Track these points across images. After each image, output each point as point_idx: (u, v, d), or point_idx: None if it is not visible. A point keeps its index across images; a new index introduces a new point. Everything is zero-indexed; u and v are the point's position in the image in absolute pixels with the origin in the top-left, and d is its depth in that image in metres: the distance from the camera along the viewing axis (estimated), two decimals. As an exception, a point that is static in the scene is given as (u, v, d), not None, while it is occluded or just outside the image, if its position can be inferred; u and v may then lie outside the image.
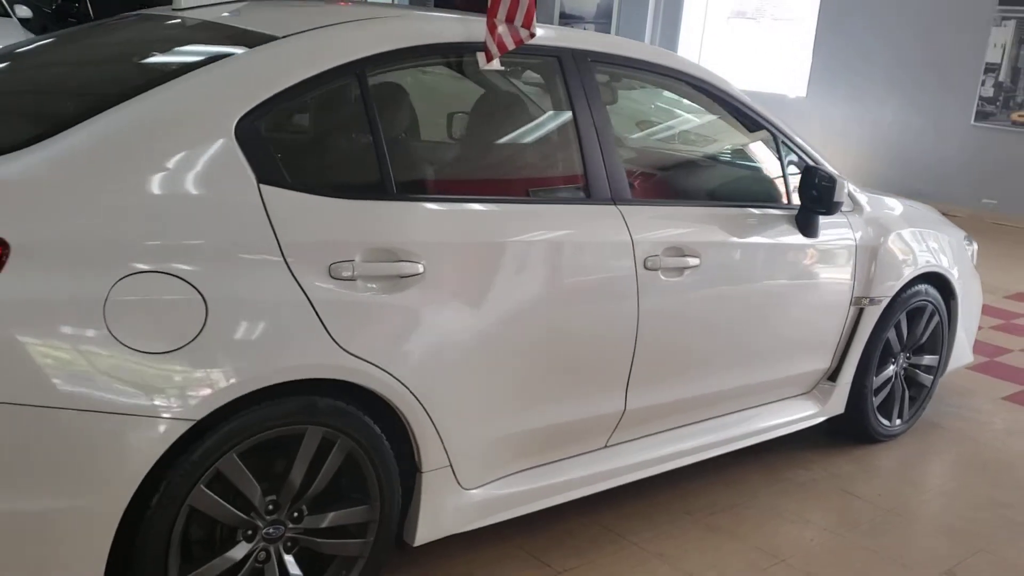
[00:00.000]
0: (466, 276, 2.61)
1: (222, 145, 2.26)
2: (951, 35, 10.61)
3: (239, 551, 2.33)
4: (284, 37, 2.49)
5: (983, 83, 10.41)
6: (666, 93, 3.60)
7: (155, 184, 2.17)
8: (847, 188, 3.49)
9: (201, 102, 2.29)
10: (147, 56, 2.74)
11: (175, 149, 2.21)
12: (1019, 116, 10.23)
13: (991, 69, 10.34)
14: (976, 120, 10.49)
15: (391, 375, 2.45)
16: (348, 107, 2.55)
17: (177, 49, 2.77)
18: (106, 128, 2.16)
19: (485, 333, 2.65)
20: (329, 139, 2.62)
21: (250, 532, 2.35)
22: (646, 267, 3.01)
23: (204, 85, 2.32)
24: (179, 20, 2.93)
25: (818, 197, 3.42)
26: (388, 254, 2.45)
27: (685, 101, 3.54)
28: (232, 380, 2.19)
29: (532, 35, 2.66)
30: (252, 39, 2.51)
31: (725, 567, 3.14)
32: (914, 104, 10.91)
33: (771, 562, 3.19)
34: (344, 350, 2.36)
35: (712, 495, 3.60)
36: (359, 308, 2.40)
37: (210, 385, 2.16)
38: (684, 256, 3.12)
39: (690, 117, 3.53)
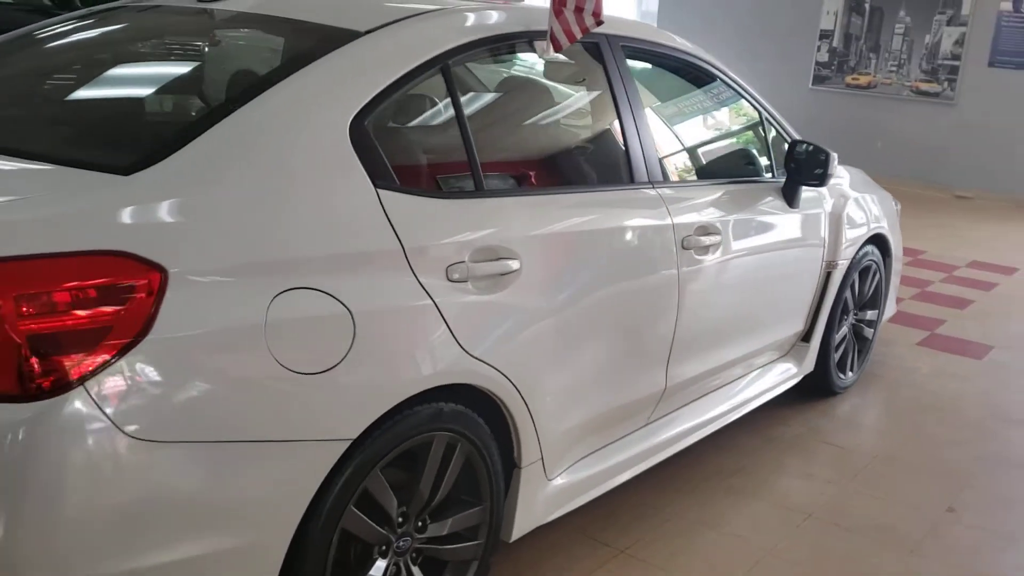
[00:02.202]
0: (552, 268, 2.61)
1: (340, 149, 2.16)
2: (787, 5, 11.25)
3: (378, 569, 2.26)
4: (369, 32, 2.39)
5: (818, 49, 11.12)
6: (656, 75, 3.68)
7: (286, 197, 2.05)
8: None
9: (317, 105, 2.16)
10: (227, 55, 2.55)
11: (299, 157, 2.09)
12: (852, 79, 11.00)
13: (825, 36, 11.04)
14: (813, 84, 11.19)
15: (502, 373, 2.43)
16: (437, 103, 2.48)
17: (254, 46, 2.60)
18: (227, 141, 2.01)
19: (568, 323, 2.66)
20: (423, 137, 2.54)
21: (383, 547, 2.28)
22: (683, 247, 3.10)
23: (315, 87, 2.19)
24: (231, 13, 2.73)
25: (811, 170, 3.60)
26: (490, 252, 2.41)
27: (679, 82, 3.63)
28: (381, 394, 2.12)
29: (599, 23, 2.66)
30: (331, 35, 2.39)
31: (764, 527, 3.29)
32: (755, 71, 11.45)
33: (801, 518, 3.38)
34: (468, 353, 2.32)
35: (715, 461, 3.75)
36: (474, 310, 2.36)
37: (363, 401, 2.08)
38: (709, 234, 3.22)
39: (685, 97, 3.62)
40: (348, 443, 2.05)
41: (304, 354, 1.97)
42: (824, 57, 11.10)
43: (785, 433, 4.11)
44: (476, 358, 2.34)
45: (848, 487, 3.66)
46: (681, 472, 3.62)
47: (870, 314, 4.67)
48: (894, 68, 10.73)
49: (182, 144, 1.96)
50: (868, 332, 4.69)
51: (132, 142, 2.00)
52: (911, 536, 3.30)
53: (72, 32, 2.83)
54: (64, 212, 1.77)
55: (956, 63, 10.37)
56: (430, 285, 2.24)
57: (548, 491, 2.75)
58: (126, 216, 1.81)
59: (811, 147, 3.62)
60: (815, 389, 4.42)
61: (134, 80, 2.55)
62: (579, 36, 2.69)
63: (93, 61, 2.71)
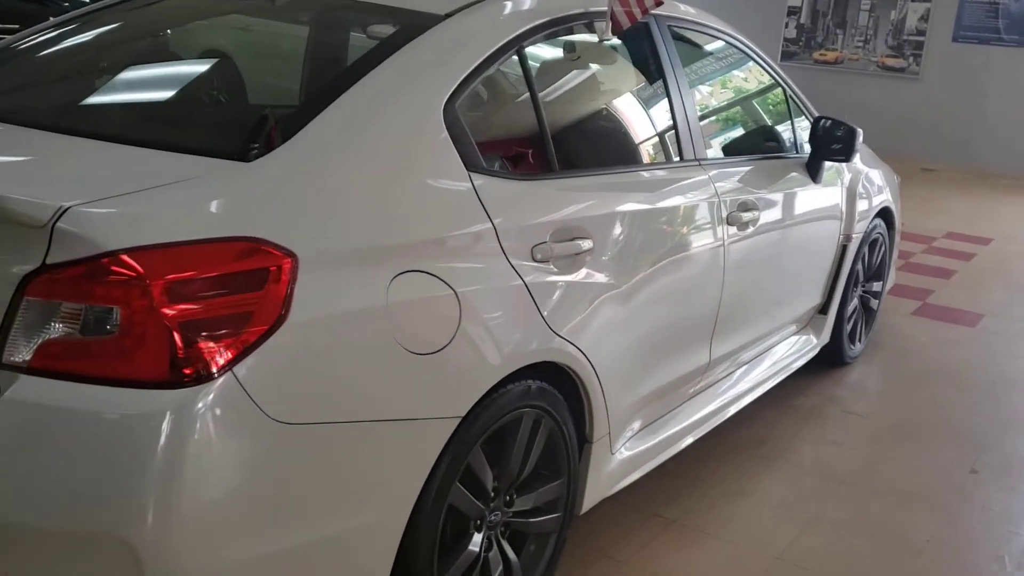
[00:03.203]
0: (618, 247, 2.67)
1: (438, 132, 2.19)
2: (755, -19, 11.37)
3: (475, 543, 2.31)
4: (449, 15, 2.41)
5: (787, 25, 11.27)
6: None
7: (394, 181, 2.08)
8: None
9: (415, 89, 2.19)
10: (312, 40, 2.55)
11: (403, 141, 2.12)
12: (820, 55, 11.18)
13: (793, 12, 11.19)
14: (782, 60, 11.35)
15: (580, 350, 2.48)
16: (514, 84, 2.51)
17: (337, 30, 2.59)
18: (336, 127, 2.03)
19: (632, 299, 2.72)
20: (502, 118, 2.56)
21: (478, 522, 2.33)
22: (728, 223, 3.17)
23: (410, 71, 2.21)
24: None
25: (837, 145, 3.69)
26: (568, 232, 2.46)
27: (713, 59, 3.69)
28: (485, 372, 2.16)
29: (659, 3, 2.71)
30: (414, 18, 2.40)
31: (803, 495, 3.40)
32: (724, 47, 11.62)
33: (836, 484, 3.49)
34: (554, 332, 2.37)
35: (743, 432, 3.84)
36: (556, 289, 2.41)
37: (470, 379, 2.13)
38: (748, 210, 3.30)
39: (719, 74, 3.69)
40: (458, 420, 2.10)
41: (420, 335, 2.01)
42: (792, 33, 11.26)
43: (804, 403, 4.22)
44: (561, 336, 2.39)
45: (873, 453, 3.78)
46: (713, 443, 3.70)
47: (876, 285, 4.81)
48: (860, 44, 10.93)
49: (294, 130, 1.97)
50: (874, 303, 4.83)
51: (245, 128, 2.00)
52: (942, 499, 3.43)
53: (152, 15, 2.80)
54: (198, 200, 1.78)
55: (921, 39, 10.59)
56: (519, 266, 2.29)
57: (612, 465, 2.81)
58: (256, 203, 1.83)
59: (837, 123, 3.71)
60: (826, 360, 4.54)
61: (228, 65, 2.53)
62: (639, 17, 2.74)
63: (182, 46, 2.70)
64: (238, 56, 2.51)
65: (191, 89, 2.46)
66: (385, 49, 2.25)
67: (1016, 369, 4.87)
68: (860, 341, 4.75)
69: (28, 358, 1.66)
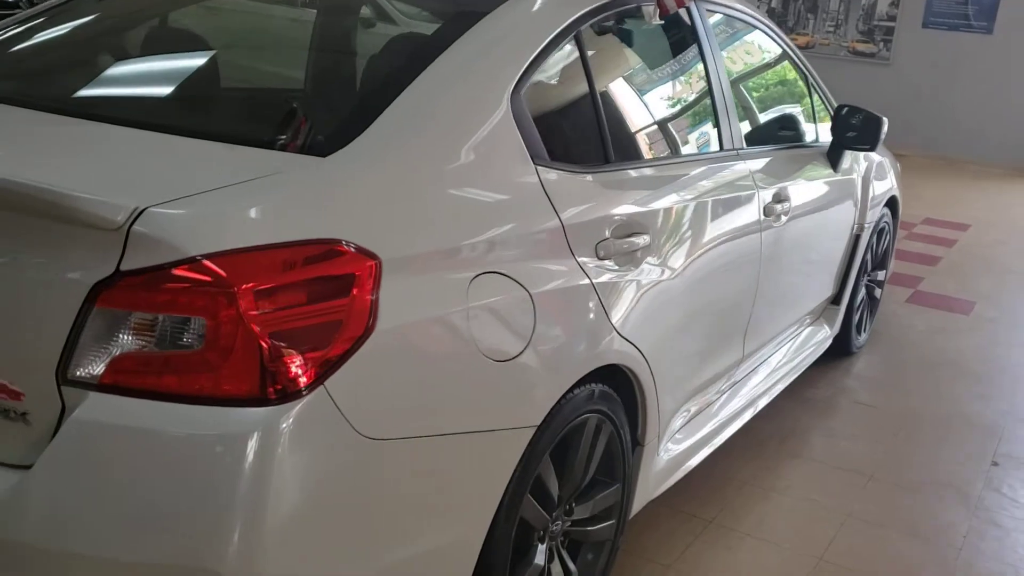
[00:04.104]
0: (671, 241, 2.57)
1: (506, 124, 2.06)
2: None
3: (540, 554, 2.21)
4: (504, 1, 2.27)
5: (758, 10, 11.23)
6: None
7: (466, 177, 1.95)
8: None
9: (482, 80, 2.06)
10: (363, 28, 2.39)
11: (473, 135, 1.99)
12: (791, 39, 11.16)
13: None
14: (752, 45, 11.29)
15: (640, 351, 2.38)
16: (573, 70, 2.38)
17: (387, 18, 2.44)
18: (405, 120, 1.89)
19: (683, 296, 2.63)
20: (562, 109, 2.43)
21: (541, 533, 2.22)
22: (765, 214, 3.09)
23: (474, 60, 2.08)
24: None
25: (862, 135, 3.62)
26: (627, 227, 2.36)
27: (742, 46, 3.60)
28: (558, 378, 2.05)
29: (708, -13, 2.60)
30: (466, 5, 2.27)
31: (834, 490, 3.34)
32: (694, 31, 11.57)
33: (864, 479, 3.44)
34: (618, 333, 2.26)
35: (763, 426, 3.77)
36: (618, 288, 2.30)
37: (545, 386, 2.02)
38: (781, 201, 3.22)
39: (749, 62, 3.59)
40: (534, 429, 1.98)
41: (498, 340, 1.89)
42: (763, 18, 11.22)
43: (816, 395, 4.17)
44: (624, 337, 2.29)
45: (894, 446, 3.74)
46: (736, 439, 3.62)
47: (880, 275, 4.77)
48: (831, 29, 10.94)
49: (366, 123, 1.83)
50: (878, 292, 4.80)
51: (317, 121, 1.86)
52: (971, 492, 3.40)
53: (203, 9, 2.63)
54: (279, 199, 1.64)
55: (891, 24, 10.63)
56: (585, 264, 2.18)
57: (659, 466, 2.73)
58: (336, 201, 1.69)
59: (861, 112, 3.64)
60: (833, 350, 4.49)
61: (288, 53, 2.37)
62: (688, 2, 2.63)
63: (235, 35, 2.52)
64: (294, 45, 2.35)
65: (253, 78, 2.30)
66: (444, 38, 2.11)
67: (1017, 358, 4.87)
68: (865, 331, 4.72)
69: (98, 374, 1.51)
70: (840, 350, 4.52)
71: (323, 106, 2.06)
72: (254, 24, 2.60)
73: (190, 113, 2.10)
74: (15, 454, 1.57)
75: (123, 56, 2.44)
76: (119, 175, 1.67)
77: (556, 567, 2.29)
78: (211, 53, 2.39)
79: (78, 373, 1.52)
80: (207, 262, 1.48)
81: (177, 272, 1.48)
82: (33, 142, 1.84)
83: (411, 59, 2.04)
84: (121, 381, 1.51)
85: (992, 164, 10.20)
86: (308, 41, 2.48)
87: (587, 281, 2.16)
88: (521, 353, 1.93)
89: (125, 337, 1.51)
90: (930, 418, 4.03)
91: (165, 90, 2.26)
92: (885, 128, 3.63)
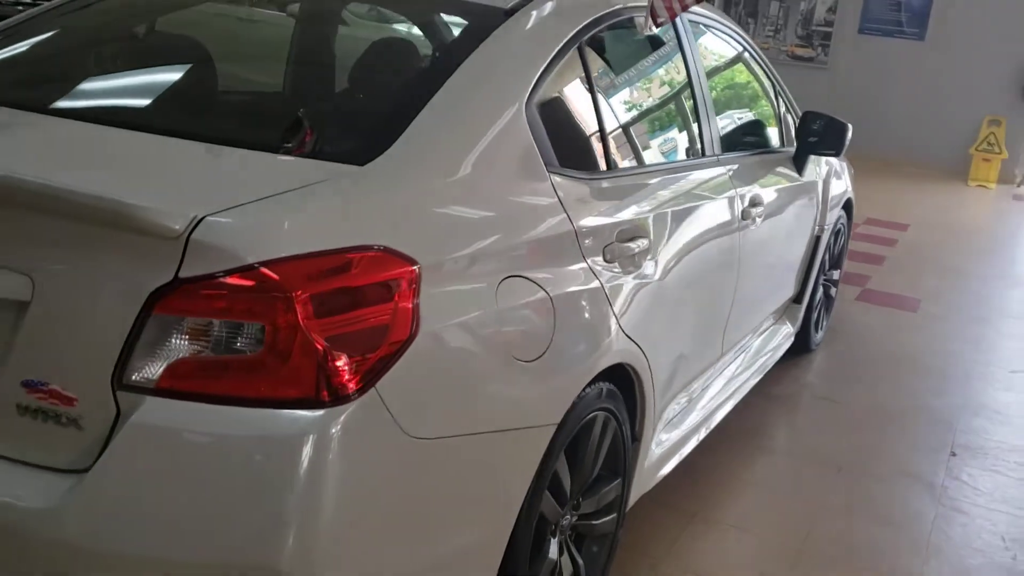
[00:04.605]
0: (666, 243, 2.66)
1: (522, 132, 2.13)
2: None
3: (553, 548, 2.28)
4: (512, 11, 2.34)
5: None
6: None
7: (489, 183, 2.02)
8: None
9: (500, 88, 2.12)
10: (379, 34, 2.43)
11: (496, 142, 2.06)
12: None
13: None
14: (694, 48, 11.53)
15: (641, 350, 2.47)
16: (576, 79, 2.46)
17: (402, 23, 2.48)
18: (434, 129, 1.95)
19: (675, 296, 2.73)
20: (568, 116, 2.50)
21: (553, 527, 2.29)
22: (742, 217, 3.21)
23: (492, 69, 2.14)
24: None
25: (828, 140, 3.77)
26: (630, 231, 2.44)
27: (716, 53, 3.71)
28: (575, 377, 2.13)
29: (699, 0, 2.71)
30: (481, 12, 2.33)
31: (807, 484, 3.48)
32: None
33: (834, 471, 3.58)
34: (624, 333, 2.35)
35: (735, 421, 3.88)
36: (623, 289, 2.38)
37: (565, 385, 2.09)
38: (755, 205, 3.34)
39: (723, 69, 3.71)
40: (556, 427, 2.06)
41: (524, 342, 1.96)
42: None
43: (782, 391, 4.31)
44: (628, 336, 2.37)
45: (858, 439, 3.90)
46: (711, 435, 3.74)
47: (835, 274, 4.95)
48: (771, 33, 11.21)
49: (397, 132, 1.89)
50: (833, 291, 4.97)
51: (354, 130, 1.90)
52: (935, 481, 3.57)
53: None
54: (328, 206, 1.69)
55: (829, 29, 10.94)
56: (595, 267, 2.26)
57: (652, 460, 2.82)
58: (377, 209, 1.75)
59: (827, 119, 3.79)
60: (792, 348, 4.64)
61: (309, 64, 2.40)
62: (679, 12, 2.73)
63: (259, 47, 2.54)
64: (316, 55, 2.39)
65: (280, 87, 2.32)
66: (462, 47, 2.18)
67: (964, 353, 5.09)
68: (822, 328, 4.89)
69: (155, 378, 1.54)
70: (799, 347, 4.67)
71: (355, 116, 2.10)
72: (276, 34, 2.63)
73: (222, 121, 2.12)
74: (66, 458, 1.59)
75: (146, 64, 2.45)
76: (171, 184, 1.70)
77: (565, 560, 2.36)
78: (236, 62, 2.41)
79: (134, 378, 1.55)
80: (265, 269, 1.52)
81: (235, 279, 1.51)
82: (80, 152, 1.86)
83: (432, 69, 2.10)
84: (177, 385, 1.54)
85: (926, 166, 10.57)
86: (330, 51, 2.52)
87: (598, 283, 2.24)
88: (544, 354, 2.00)
89: (182, 342, 1.54)
90: (889, 412, 4.21)
91: (195, 98, 2.28)
92: (850, 134, 3.78)
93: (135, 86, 2.34)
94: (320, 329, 1.56)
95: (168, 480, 1.53)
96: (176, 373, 1.54)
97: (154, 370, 1.54)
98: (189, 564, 1.53)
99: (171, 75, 2.40)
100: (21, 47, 2.41)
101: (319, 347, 1.55)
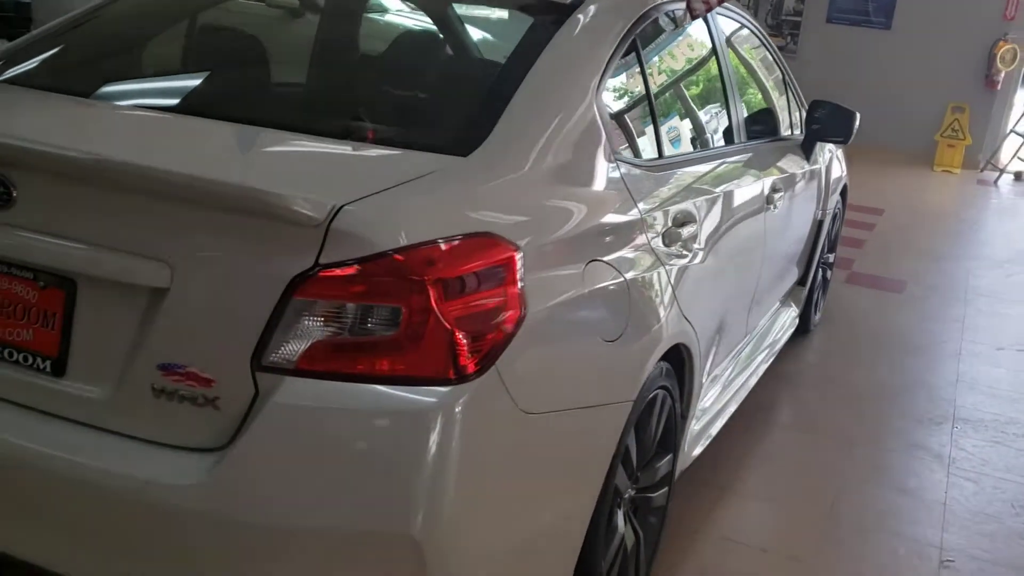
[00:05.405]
0: (711, 229, 2.79)
1: (595, 121, 2.23)
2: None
3: (619, 520, 2.40)
4: (576, 3, 2.44)
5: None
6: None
7: (573, 170, 2.12)
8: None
9: (577, 77, 2.22)
10: (449, 25, 2.51)
11: (575, 131, 2.16)
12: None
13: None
14: (666, 37, 11.70)
15: (694, 330, 2.59)
16: (630, 70, 2.57)
17: (471, 16, 2.56)
18: (521, 119, 2.05)
19: (719, 276, 2.86)
20: (626, 105, 2.60)
21: (618, 500, 2.41)
22: (767, 201, 3.35)
23: (568, 59, 2.24)
24: None
25: (837, 128, 3.91)
26: (683, 216, 2.56)
27: (740, 43, 3.83)
28: (647, 356, 2.24)
29: (736, -5, 2.82)
30: (540, 6, 2.43)
31: (828, 457, 3.64)
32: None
33: (847, 445, 3.75)
34: (682, 314, 2.47)
35: (751, 399, 4.02)
36: (679, 272, 2.50)
37: (640, 363, 2.21)
38: (777, 191, 3.49)
39: (743, 58, 3.83)
40: (631, 403, 2.17)
41: (607, 322, 2.07)
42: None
43: (787, 370, 4.47)
44: (685, 317, 2.49)
45: (867, 414, 4.07)
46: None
47: (831, 257, 5.13)
48: (741, 23, 11.40)
49: (489, 124, 1.98)
50: (828, 273, 5.15)
51: (453, 122, 2.00)
52: (943, 452, 3.75)
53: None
54: (445, 196, 1.78)
55: (798, 19, 11.17)
56: (657, 251, 2.37)
57: (692, 437, 2.95)
58: (482, 197, 1.85)
59: (835, 107, 3.94)
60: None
61: (398, 58, 2.48)
62: (715, 6, 2.85)
63: (352, 41, 2.62)
64: (403, 48, 2.46)
65: (376, 81, 2.40)
66: (534, 42, 2.27)
67: (951, 332, 5.30)
68: (819, 309, 5.06)
69: (294, 360, 1.63)
70: (799, 328, 4.83)
71: (452, 109, 2.19)
72: (368, 29, 2.71)
73: (325, 116, 2.20)
74: (200, 438, 1.68)
75: (242, 61, 2.51)
76: (300, 175, 1.78)
77: (627, 531, 2.48)
78: (332, 57, 2.49)
79: (272, 359, 1.63)
80: (401, 255, 1.61)
81: (373, 265, 1.61)
82: (207, 145, 1.93)
83: (511, 64, 2.19)
84: (315, 366, 1.63)
85: (893, 152, 10.84)
86: (413, 45, 2.61)
87: (661, 267, 2.36)
88: (623, 334, 2.12)
89: (319, 325, 1.63)
90: (890, 388, 4.39)
91: (295, 94, 2.36)
92: (857, 121, 3.93)
93: (239, 82, 2.41)
94: (449, 311, 1.65)
95: (308, 455, 1.62)
96: (314, 354, 1.63)
97: (293, 352, 1.63)
98: (328, 534, 1.62)
99: (267, 72, 2.47)
100: (129, 47, 2.48)
101: (449, 328, 1.65)
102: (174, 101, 2.28)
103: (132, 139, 1.97)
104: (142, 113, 2.17)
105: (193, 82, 2.40)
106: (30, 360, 1.79)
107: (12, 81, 2.32)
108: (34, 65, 2.40)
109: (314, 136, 1.96)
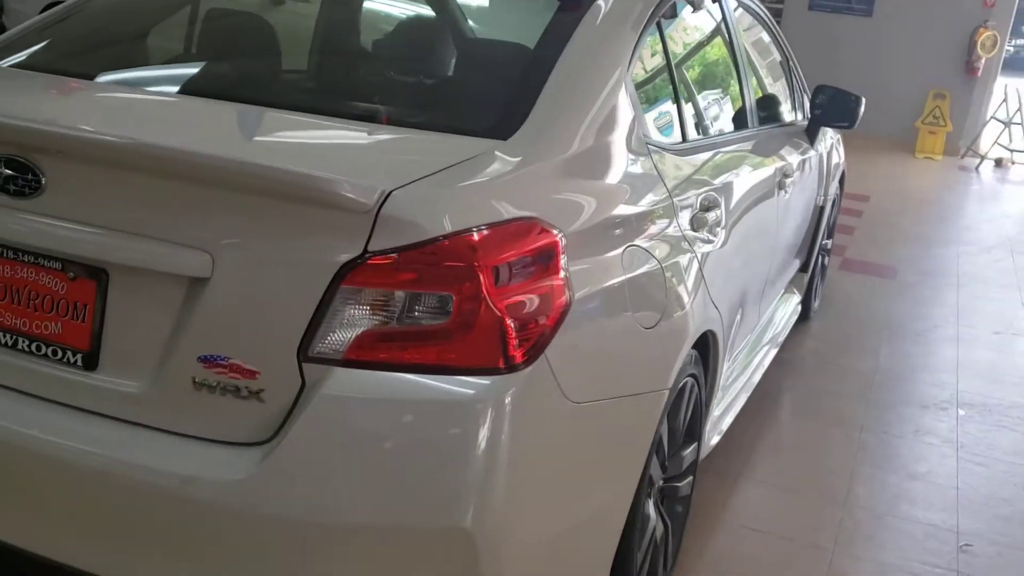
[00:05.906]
0: (733, 214, 2.76)
1: (625, 105, 2.19)
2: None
3: (649, 509, 2.37)
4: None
5: None
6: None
7: (608, 154, 2.08)
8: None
9: (609, 61, 2.17)
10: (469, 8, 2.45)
11: (607, 116, 2.12)
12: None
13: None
14: (648, 25, 11.68)
15: (722, 318, 2.57)
16: (655, 54, 2.52)
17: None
18: (556, 103, 2.00)
19: (741, 263, 2.85)
20: (653, 90, 2.56)
21: (650, 489, 2.38)
22: (779, 187, 3.33)
23: (599, 43, 2.19)
24: None
25: (842, 112, 3.89)
26: (709, 201, 2.53)
27: (750, 28, 3.80)
28: (682, 343, 2.21)
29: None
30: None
31: (838, 445, 3.63)
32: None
33: (860, 431, 3.74)
34: (711, 300, 2.44)
35: (757, 387, 4.03)
36: (708, 258, 2.47)
37: (675, 351, 2.17)
38: (787, 176, 3.47)
39: (751, 43, 3.80)
40: (668, 391, 2.14)
41: (646, 309, 2.03)
42: None
43: (791, 356, 4.47)
44: (714, 303, 2.46)
45: (872, 400, 4.07)
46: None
47: (829, 243, 5.12)
48: (724, 10, 11.40)
49: (526, 107, 1.94)
50: (826, 260, 5.15)
51: (493, 105, 1.95)
52: (951, 437, 3.75)
53: None
54: (491, 180, 1.74)
55: (780, 6, 11.17)
56: (688, 237, 2.34)
57: (710, 425, 2.92)
58: (526, 181, 1.80)
59: (841, 92, 3.92)
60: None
61: (440, 37, 2.42)
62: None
63: (385, 25, 2.55)
64: (434, 32, 2.41)
65: (411, 65, 2.34)
66: (563, 25, 2.21)
67: (944, 316, 5.32)
68: (818, 296, 5.06)
69: (342, 350, 1.58)
70: (800, 314, 4.83)
71: (488, 91, 2.14)
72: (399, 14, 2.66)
73: (362, 100, 2.14)
74: (244, 431, 1.62)
75: (279, 48, 2.44)
76: (346, 160, 1.73)
77: (657, 522, 2.45)
78: (367, 42, 2.42)
79: (319, 349, 1.58)
80: (451, 241, 1.57)
81: (424, 251, 1.56)
82: (251, 130, 1.87)
83: (543, 47, 2.14)
84: (364, 356, 1.58)
85: (875, 138, 10.87)
86: (448, 28, 2.55)
87: (690, 252, 2.33)
88: (660, 321, 2.08)
89: (368, 314, 1.58)
90: (893, 374, 4.39)
91: (331, 79, 2.30)
92: (863, 106, 3.91)
93: (276, 69, 2.35)
94: (499, 298, 1.61)
95: (359, 447, 1.57)
96: (363, 344, 1.58)
97: (341, 342, 1.58)
98: (381, 528, 1.58)
99: (305, 57, 2.41)
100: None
101: (499, 316, 1.60)
102: (204, 84, 2.22)
103: (167, 123, 1.90)
104: (171, 98, 2.10)
105: (223, 66, 2.34)
106: (59, 354, 1.73)
107: (26, 66, 2.24)
108: (50, 50, 2.32)
109: (352, 121, 1.90)
